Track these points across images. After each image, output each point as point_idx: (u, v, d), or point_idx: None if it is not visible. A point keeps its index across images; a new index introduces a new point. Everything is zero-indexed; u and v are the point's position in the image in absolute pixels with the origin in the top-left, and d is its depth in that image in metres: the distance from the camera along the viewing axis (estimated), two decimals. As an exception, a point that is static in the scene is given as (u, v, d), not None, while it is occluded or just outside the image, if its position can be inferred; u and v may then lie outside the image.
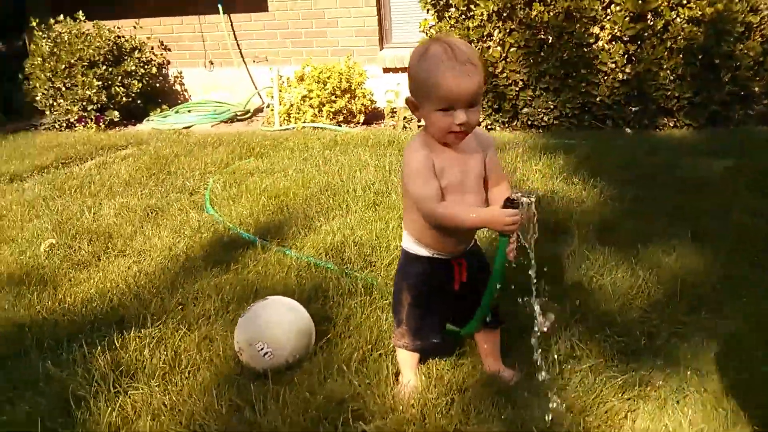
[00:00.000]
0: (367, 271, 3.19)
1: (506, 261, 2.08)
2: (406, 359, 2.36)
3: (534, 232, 1.99)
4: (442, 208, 2.06)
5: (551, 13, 5.53)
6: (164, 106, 8.63)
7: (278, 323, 2.50)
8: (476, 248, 2.36)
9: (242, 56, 8.73)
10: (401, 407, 2.19)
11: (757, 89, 5.54)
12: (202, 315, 2.87)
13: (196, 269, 3.34)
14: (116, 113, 8.02)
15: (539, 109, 5.81)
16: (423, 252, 2.25)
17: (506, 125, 6.04)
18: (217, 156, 5.60)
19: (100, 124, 7.87)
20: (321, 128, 6.74)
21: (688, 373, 2.26)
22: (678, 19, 5.34)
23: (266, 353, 2.42)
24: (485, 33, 5.83)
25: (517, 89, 5.85)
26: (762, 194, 3.80)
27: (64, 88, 7.87)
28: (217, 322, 2.79)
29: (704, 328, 2.53)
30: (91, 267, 3.51)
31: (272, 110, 7.39)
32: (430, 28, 6.30)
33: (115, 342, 2.66)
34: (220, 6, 8.44)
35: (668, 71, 5.43)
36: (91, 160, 5.91)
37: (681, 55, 5.38)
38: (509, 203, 1.94)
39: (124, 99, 8.07)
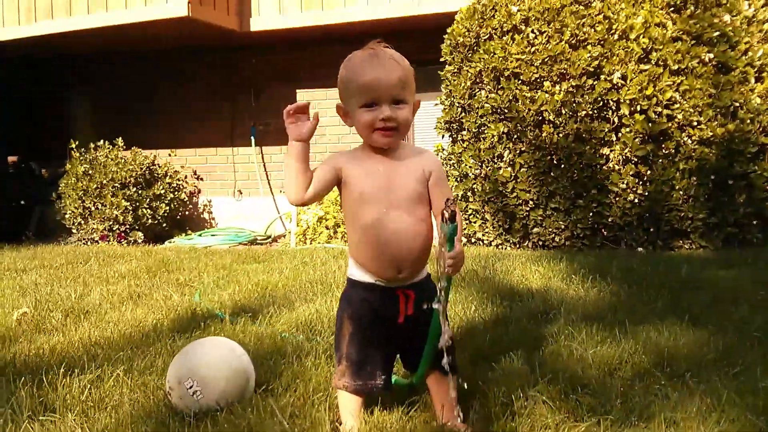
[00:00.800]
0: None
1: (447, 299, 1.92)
2: (348, 403, 2.12)
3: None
4: None
5: (561, 135, 5.56)
6: (189, 231, 8.76)
7: (210, 361, 2.29)
8: (429, 283, 2.17)
9: (270, 186, 8.95)
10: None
11: (775, 213, 5.37)
12: (149, 367, 2.68)
13: (157, 336, 3.18)
14: (140, 234, 8.15)
15: (550, 229, 5.70)
16: (365, 278, 2.08)
17: (517, 245, 5.91)
18: (220, 261, 5.56)
19: (122, 242, 7.97)
20: (334, 248, 6.70)
21: (663, 425, 1.96)
22: (688, 140, 5.29)
23: (195, 392, 2.21)
24: (496, 154, 5.87)
25: (528, 209, 5.77)
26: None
27: (93, 208, 8.08)
28: (161, 373, 2.60)
29: (687, 389, 2.24)
30: (57, 332, 3.37)
31: (290, 232, 7.42)
32: (443, 149, 6.39)
33: (44, 378, 2.48)
34: (252, 138, 8.78)
35: (680, 192, 5.31)
36: (96, 260, 5.90)
37: (693, 176, 5.28)
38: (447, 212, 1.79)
39: (150, 221, 8.23)
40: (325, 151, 8.44)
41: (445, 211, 1.77)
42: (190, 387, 2.21)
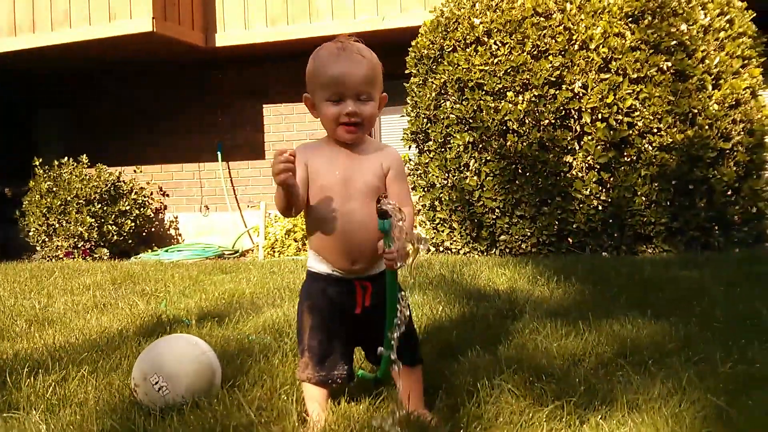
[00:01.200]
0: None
1: (398, 291, 1.95)
2: (313, 395, 2.12)
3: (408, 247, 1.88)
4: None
5: (525, 144, 5.64)
6: (155, 247, 8.68)
7: (175, 356, 2.28)
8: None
9: (237, 201, 8.92)
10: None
11: (736, 217, 5.49)
12: (114, 368, 2.66)
13: (123, 340, 3.15)
14: (105, 250, 8.06)
15: (516, 237, 5.76)
16: (323, 269, 2.10)
17: (485, 253, 5.96)
18: (186, 273, 5.51)
19: (87, 259, 7.87)
20: (302, 259, 6.69)
21: (626, 408, 2.00)
22: (649, 147, 5.41)
23: (161, 387, 2.19)
24: (462, 163, 5.93)
25: (494, 217, 5.84)
26: (727, 289, 3.62)
27: (57, 225, 7.98)
28: (126, 373, 2.57)
29: (649, 375, 2.28)
30: (20, 339, 3.32)
31: (258, 246, 7.40)
32: (409, 160, 6.44)
33: (7, 379, 2.44)
34: (219, 153, 8.75)
35: (643, 197, 5.42)
36: (61, 274, 5.82)
37: (655, 182, 5.39)
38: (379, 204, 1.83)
39: (115, 237, 8.15)
40: (292, 165, 8.45)
41: (378, 207, 1.80)
42: (156, 383, 2.20)
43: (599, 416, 1.94)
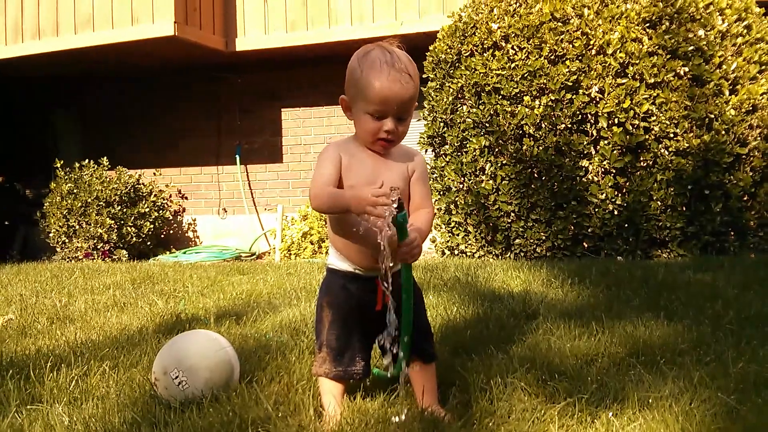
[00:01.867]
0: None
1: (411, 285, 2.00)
2: (330, 389, 2.17)
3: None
4: (318, 188, 2.00)
5: (541, 148, 5.66)
6: (173, 249, 8.78)
7: (195, 351, 2.34)
8: None
9: (254, 204, 9.00)
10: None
11: (752, 222, 5.48)
12: (135, 364, 2.72)
13: (142, 338, 3.21)
14: (124, 252, 8.16)
15: (531, 240, 5.78)
16: (344, 266, 2.15)
17: (499, 257, 5.98)
18: (204, 274, 5.58)
19: (106, 260, 7.97)
20: (318, 262, 6.74)
21: (637, 405, 2.03)
22: (665, 152, 5.41)
23: (180, 382, 2.25)
24: (478, 167, 5.96)
25: (509, 221, 5.86)
26: (741, 292, 3.63)
27: (77, 226, 8.09)
28: (147, 368, 2.63)
29: (661, 374, 2.30)
30: (42, 336, 3.39)
31: (274, 248, 7.46)
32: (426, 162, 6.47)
33: (31, 373, 2.51)
34: (237, 157, 8.84)
35: (658, 202, 5.42)
36: (81, 274, 5.91)
37: (670, 187, 5.40)
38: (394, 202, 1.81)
39: (134, 239, 8.25)
40: (309, 168, 8.52)
41: (391, 199, 1.80)
42: (176, 377, 2.25)
43: (611, 413, 1.97)
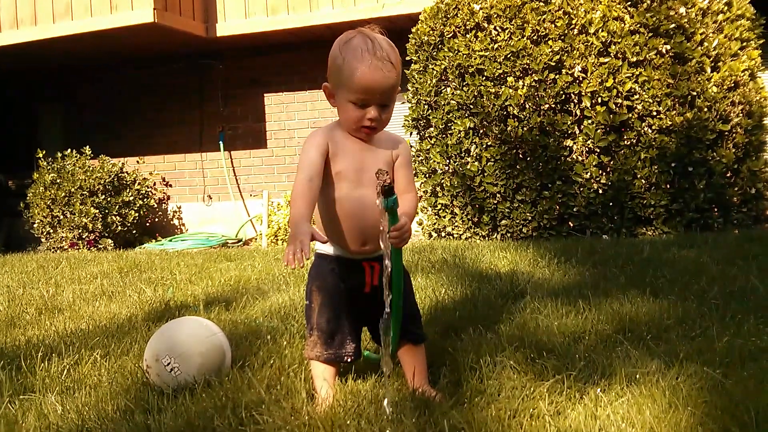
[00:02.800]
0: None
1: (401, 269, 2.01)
2: (321, 373, 2.18)
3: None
4: (299, 184, 1.98)
5: (525, 129, 5.68)
6: (159, 237, 8.75)
7: (187, 337, 2.34)
8: None
9: (240, 190, 8.97)
10: (316, 422, 1.99)
11: (735, 198, 5.54)
12: (126, 352, 2.72)
13: (132, 326, 3.21)
14: (110, 241, 8.13)
15: (518, 221, 5.81)
16: (332, 251, 2.16)
17: (486, 237, 6.02)
18: (192, 261, 5.58)
19: (92, 249, 7.94)
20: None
21: (624, 381, 2.06)
22: (649, 130, 5.45)
23: (173, 368, 2.26)
24: (463, 149, 5.97)
25: (495, 202, 5.89)
26: (725, 267, 3.68)
27: (62, 216, 8.04)
28: (138, 356, 2.63)
29: (647, 349, 2.34)
30: (31, 326, 3.39)
31: (261, 234, 7.46)
32: (411, 146, 6.48)
33: (22, 364, 2.50)
34: (221, 143, 8.80)
35: (643, 180, 5.47)
36: (68, 263, 5.88)
37: (654, 165, 5.44)
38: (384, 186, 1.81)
39: (119, 228, 8.21)
40: (294, 153, 8.50)
41: (378, 185, 1.80)
42: (168, 364, 2.26)
43: (599, 389, 2.00)
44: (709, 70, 5.53)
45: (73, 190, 8.10)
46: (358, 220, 2.09)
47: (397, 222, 1.90)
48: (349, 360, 2.19)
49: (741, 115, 5.58)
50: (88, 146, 8.51)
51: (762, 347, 2.27)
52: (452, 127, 6.02)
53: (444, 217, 6.26)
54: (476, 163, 5.91)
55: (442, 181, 6.14)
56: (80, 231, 8.07)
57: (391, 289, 2.01)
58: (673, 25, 5.49)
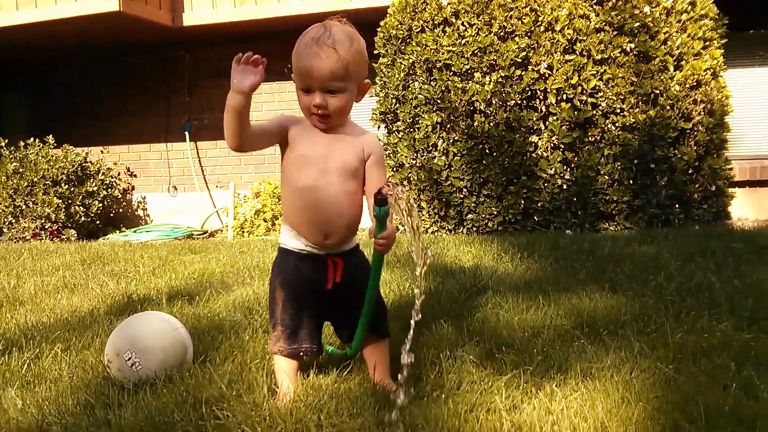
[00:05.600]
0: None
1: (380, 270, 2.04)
2: (284, 367, 2.20)
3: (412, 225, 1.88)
4: None
5: (492, 124, 5.73)
6: (123, 228, 8.65)
7: (147, 332, 2.34)
8: (358, 253, 2.27)
9: (206, 181, 8.90)
10: (276, 417, 2.00)
11: (696, 195, 5.66)
12: (87, 346, 2.71)
13: (94, 319, 3.19)
14: (73, 232, 8.02)
15: (483, 215, 5.87)
16: (296, 245, 2.17)
17: (452, 231, 6.06)
18: (156, 253, 5.53)
19: (55, 240, 7.83)
20: (272, 239, 6.73)
21: (580, 376, 2.11)
22: (612, 127, 5.53)
23: (134, 363, 2.25)
24: (430, 143, 6.00)
25: (462, 196, 5.93)
26: (683, 263, 3.76)
27: (24, 206, 7.91)
28: (100, 350, 2.62)
29: (603, 345, 2.39)
30: (-12, 320, 3.34)
31: (227, 226, 7.42)
32: (378, 140, 6.49)
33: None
34: (187, 133, 8.72)
35: (606, 176, 5.56)
36: (30, 255, 5.80)
37: (617, 161, 5.53)
38: (379, 196, 1.83)
39: (83, 218, 8.11)
40: (262, 145, 8.44)
41: (378, 194, 1.81)
42: (129, 359, 2.25)
43: (554, 383, 2.05)
44: (672, 68, 5.62)
45: (35, 179, 7.97)
46: (321, 209, 2.11)
47: (384, 231, 1.91)
48: (310, 355, 2.21)
49: (703, 113, 5.69)
50: (51, 135, 8.37)
51: (714, 344, 2.34)
52: (420, 122, 6.05)
53: (411, 210, 6.28)
54: (443, 158, 5.94)
55: (410, 174, 6.17)
56: (43, 221, 7.94)
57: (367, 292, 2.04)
58: (637, 24, 5.57)
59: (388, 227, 1.92)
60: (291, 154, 2.12)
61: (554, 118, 5.62)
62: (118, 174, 9.03)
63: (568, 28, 5.59)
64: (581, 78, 5.53)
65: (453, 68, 5.85)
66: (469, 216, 5.95)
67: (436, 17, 6.01)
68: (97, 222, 8.38)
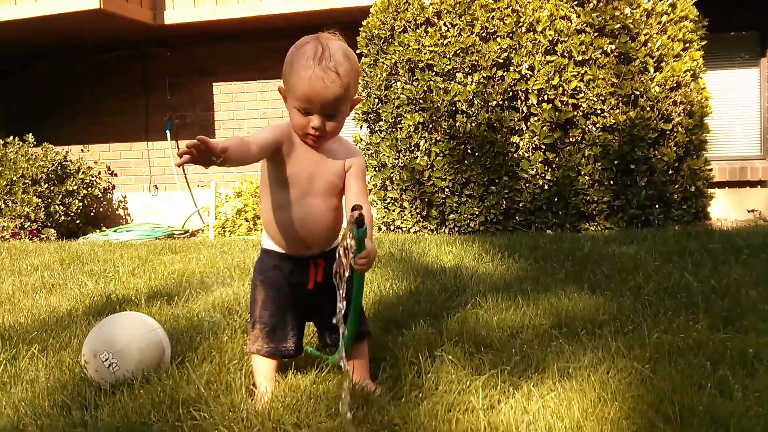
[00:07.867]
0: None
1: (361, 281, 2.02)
2: (262, 367, 2.19)
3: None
4: (235, 138, 1.96)
5: (473, 124, 5.74)
6: (103, 227, 8.59)
7: (125, 333, 2.32)
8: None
9: (187, 181, 8.85)
10: (254, 417, 1.99)
11: (675, 195, 5.71)
12: (64, 346, 2.68)
13: (72, 320, 3.17)
14: (53, 231, 7.94)
15: (465, 215, 5.88)
16: (277, 248, 2.17)
17: (434, 231, 6.07)
18: (135, 253, 5.49)
19: (34, 239, 7.75)
20: (253, 239, 6.71)
21: (557, 375, 2.12)
22: (593, 128, 5.57)
23: (111, 364, 2.24)
24: (412, 143, 6.01)
25: (444, 196, 5.95)
26: (661, 263, 3.80)
27: (3, 205, 7.83)
28: (77, 351, 2.60)
29: (581, 344, 2.41)
30: (-35, 320, 3.31)
31: (208, 226, 7.38)
32: (361, 140, 6.50)
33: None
34: (167, 132, 8.67)
35: (586, 177, 5.59)
36: (8, 254, 5.74)
37: (598, 162, 5.56)
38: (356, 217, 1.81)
39: (62, 217, 8.04)
40: (244, 144, 8.41)
41: (351, 217, 1.80)
42: (106, 359, 2.24)
43: (532, 383, 2.06)
44: (652, 70, 5.67)
45: (15, 178, 7.88)
46: (303, 227, 2.11)
47: (363, 250, 1.89)
48: (289, 355, 2.21)
49: (682, 114, 5.74)
50: (30, 134, 8.28)
51: (690, 343, 2.36)
52: (402, 122, 6.05)
53: (393, 210, 6.30)
54: (425, 158, 5.95)
55: (392, 174, 6.17)
56: (22, 220, 7.86)
57: (349, 306, 2.02)
58: (618, 25, 5.61)
59: (368, 246, 1.89)
60: (279, 170, 2.09)
61: (535, 118, 5.64)
62: (99, 173, 8.95)
63: (550, 29, 5.62)
64: (562, 79, 5.56)
65: (435, 68, 5.86)
66: (451, 216, 5.96)
67: (418, 17, 6.02)
68: (77, 221, 8.31)
